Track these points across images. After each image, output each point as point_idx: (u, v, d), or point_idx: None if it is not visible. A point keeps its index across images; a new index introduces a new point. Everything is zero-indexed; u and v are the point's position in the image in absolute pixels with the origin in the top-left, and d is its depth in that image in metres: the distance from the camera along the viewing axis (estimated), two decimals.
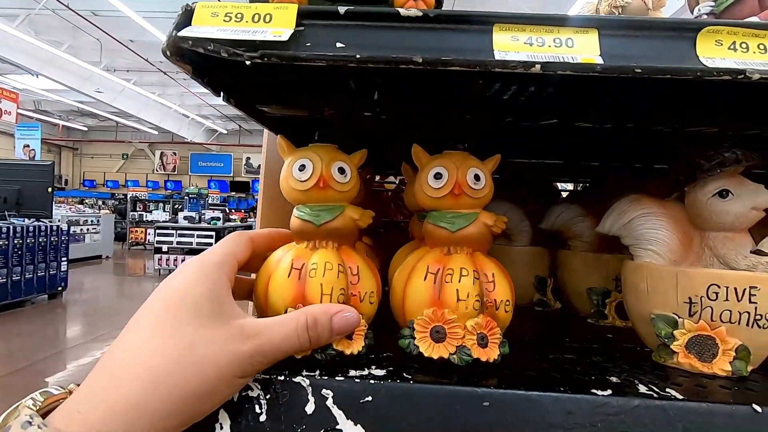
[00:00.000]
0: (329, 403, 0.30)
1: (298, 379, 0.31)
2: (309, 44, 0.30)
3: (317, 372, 0.31)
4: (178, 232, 6.39)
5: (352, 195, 0.39)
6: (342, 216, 0.37)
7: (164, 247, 6.26)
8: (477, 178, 0.37)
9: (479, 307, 0.35)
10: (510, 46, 0.30)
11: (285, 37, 0.29)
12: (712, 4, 0.38)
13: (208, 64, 0.34)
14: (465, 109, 0.46)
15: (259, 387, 0.31)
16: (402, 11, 0.31)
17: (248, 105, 0.44)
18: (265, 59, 0.29)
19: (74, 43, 6.30)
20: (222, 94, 0.38)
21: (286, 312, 0.34)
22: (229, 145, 11.77)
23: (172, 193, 10.86)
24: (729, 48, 0.30)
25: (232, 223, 7.29)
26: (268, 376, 0.31)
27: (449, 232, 0.37)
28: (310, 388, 0.31)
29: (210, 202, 10.27)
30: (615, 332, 0.48)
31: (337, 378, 0.31)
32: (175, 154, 11.84)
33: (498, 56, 0.30)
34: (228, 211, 9.42)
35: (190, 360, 0.26)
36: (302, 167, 0.37)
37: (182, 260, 5.94)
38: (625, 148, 0.59)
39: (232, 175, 11.68)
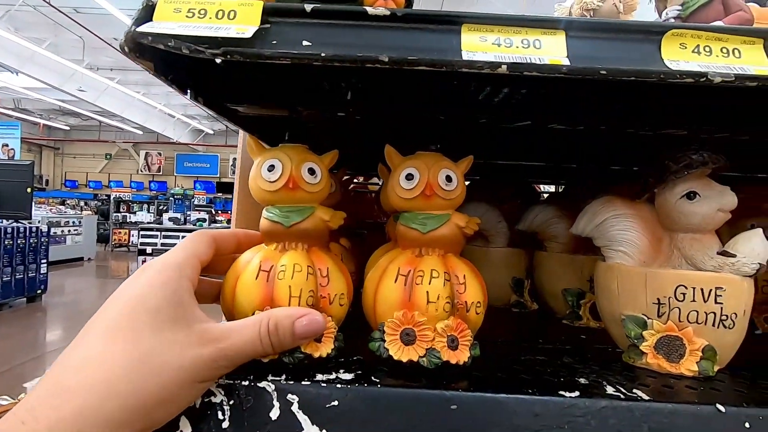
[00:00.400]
0: (294, 408, 0.30)
1: (262, 384, 0.30)
2: (274, 42, 0.30)
3: (283, 376, 0.31)
4: (163, 233, 6.30)
5: (323, 196, 0.38)
6: (312, 217, 0.36)
7: (148, 249, 6.17)
8: (449, 179, 0.37)
9: (450, 309, 0.35)
10: (478, 47, 0.30)
11: (249, 34, 0.29)
12: (679, 7, 0.38)
13: (172, 61, 0.33)
14: (439, 109, 0.46)
15: (222, 392, 0.30)
16: (370, 10, 0.30)
17: (218, 104, 0.43)
18: (228, 56, 0.29)
19: (56, 40, 6.17)
20: (189, 92, 0.37)
21: (253, 315, 0.33)
22: (215, 146, 11.63)
23: (156, 194, 10.68)
24: (693, 51, 0.30)
25: (218, 225, 7.20)
26: (231, 382, 0.30)
27: (420, 234, 0.37)
28: (275, 393, 0.30)
29: (196, 203, 10.15)
30: (588, 333, 0.49)
31: (303, 382, 0.30)
32: (160, 154, 11.66)
33: (465, 56, 0.29)
34: (214, 212, 9.32)
35: (148, 366, 0.26)
36: (271, 167, 0.36)
37: None
38: (601, 150, 0.60)
39: (218, 175, 11.54)
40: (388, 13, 0.30)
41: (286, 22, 0.30)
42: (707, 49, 0.31)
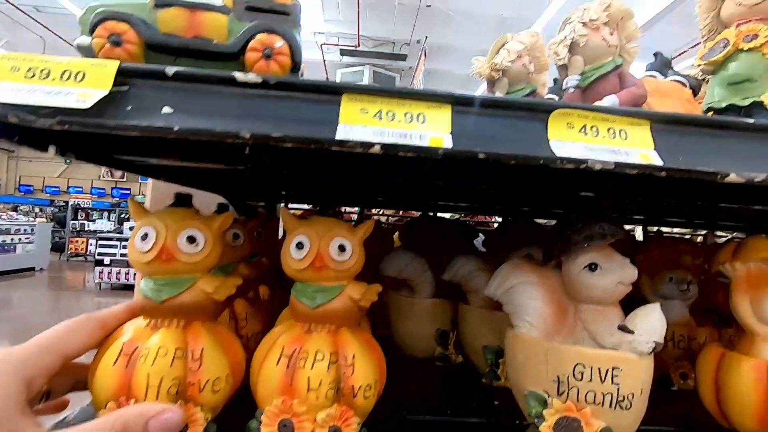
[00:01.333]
0: None
1: None
2: (130, 108, 0.27)
3: None
4: (123, 243, 6.01)
5: (209, 264, 0.35)
6: (191, 290, 0.33)
7: (106, 260, 5.86)
8: (342, 248, 0.35)
9: (334, 396, 0.32)
10: (357, 119, 0.28)
11: (89, 103, 0.25)
12: (579, 77, 0.38)
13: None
14: (351, 169, 0.43)
15: None
16: (239, 76, 0.28)
17: (104, 156, 0.39)
18: (66, 126, 0.25)
19: (14, 38, 5.86)
20: (53, 148, 0.33)
21: (106, 406, 0.29)
22: None
23: (119, 201, 10.25)
24: (580, 131, 0.29)
25: None
26: None
27: (309, 309, 0.34)
28: None
29: None
30: (504, 397, 0.47)
31: None
32: None
33: (340, 132, 0.27)
34: None
35: None
36: (145, 236, 0.33)
37: (126, 273, 5.57)
38: (524, 203, 0.59)
39: None
40: (259, 80, 0.28)
41: (147, 84, 0.27)
42: (594, 129, 0.30)
